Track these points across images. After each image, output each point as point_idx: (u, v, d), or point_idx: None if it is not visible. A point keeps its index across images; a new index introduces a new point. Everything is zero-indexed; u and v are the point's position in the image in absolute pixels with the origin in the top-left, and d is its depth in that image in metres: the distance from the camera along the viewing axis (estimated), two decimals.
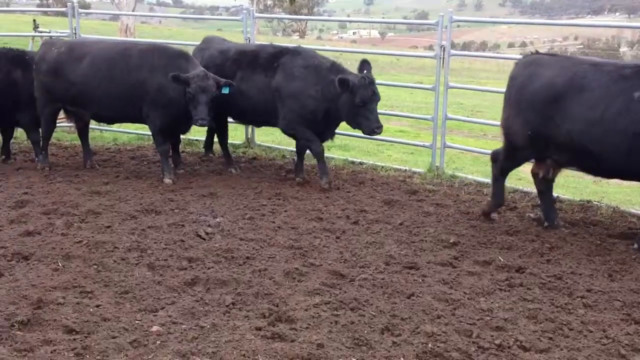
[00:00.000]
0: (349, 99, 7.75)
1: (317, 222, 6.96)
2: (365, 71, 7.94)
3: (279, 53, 8.45)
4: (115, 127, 10.74)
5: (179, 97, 7.99)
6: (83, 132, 9.07)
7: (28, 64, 8.86)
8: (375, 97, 7.77)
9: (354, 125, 8.04)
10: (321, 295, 5.16)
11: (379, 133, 7.92)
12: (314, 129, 8.23)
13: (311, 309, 4.90)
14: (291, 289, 5.27)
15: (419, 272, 5.69)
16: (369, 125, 7.78)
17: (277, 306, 4.95)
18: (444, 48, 8.81)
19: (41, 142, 8.95)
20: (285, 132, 8.61)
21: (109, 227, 6.59)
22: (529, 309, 5.02)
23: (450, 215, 7.34)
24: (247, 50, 8.79)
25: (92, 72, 8.34)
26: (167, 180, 8.30)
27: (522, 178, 8.43)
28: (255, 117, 8.86)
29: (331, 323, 4.71)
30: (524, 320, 4.86)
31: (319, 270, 5.68)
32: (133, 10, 31.54)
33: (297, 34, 59.19)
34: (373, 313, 4.88)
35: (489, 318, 4.88)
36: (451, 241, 6.47)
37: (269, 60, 8.43)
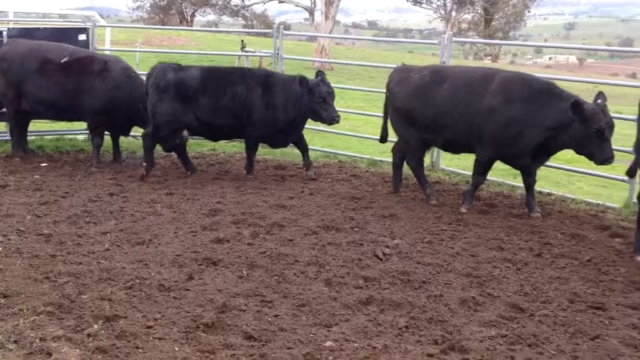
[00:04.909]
0: None
1: (497, 252, 6.74)
2: None
3: None
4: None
5: None
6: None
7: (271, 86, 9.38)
8: None
9: None
10: (498, 328, 4.98)
11: None
12: None
13: (486, 341, 4.75)
14: (466, 318, 5.15)
15: (606, 314, 5.30)
16: None
17: (451, 334, 4.85)
18: None
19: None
20: None
21: (291, 240, 6.84)
22: None
23: None
24: None
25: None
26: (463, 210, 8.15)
27: None
28: None
29: (506, 357, 4.52)
30: None
31: (497, 301, 5.49)
32: (330, 32, 32.90)
33: (489, 58, 57.85)
34: (552, 352, 4.62)
35: None
36: None
37: None
